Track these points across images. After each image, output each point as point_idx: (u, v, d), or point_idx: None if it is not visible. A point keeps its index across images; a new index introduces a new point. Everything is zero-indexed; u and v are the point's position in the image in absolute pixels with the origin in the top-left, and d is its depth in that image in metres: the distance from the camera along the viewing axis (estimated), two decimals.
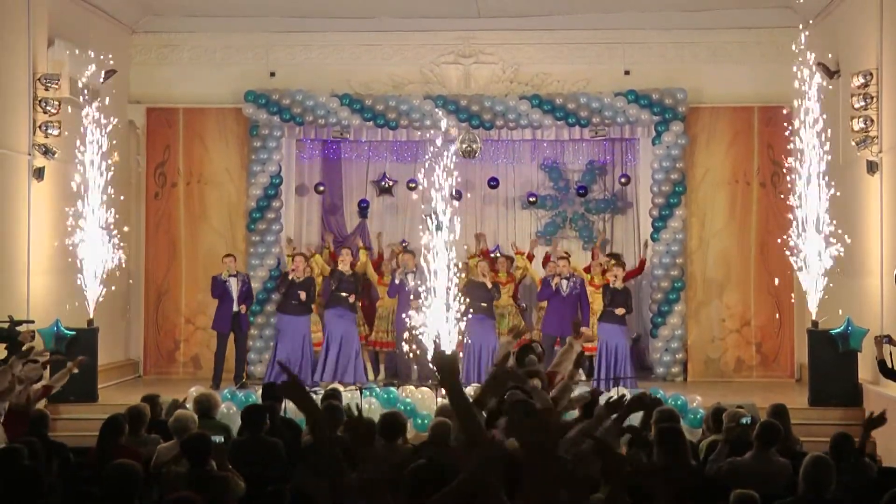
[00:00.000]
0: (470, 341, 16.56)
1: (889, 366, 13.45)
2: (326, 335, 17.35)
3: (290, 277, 17.24)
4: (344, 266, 17.44)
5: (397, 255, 18.20)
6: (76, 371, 13.39)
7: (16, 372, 11.47)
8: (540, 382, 9.92)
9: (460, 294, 15.67)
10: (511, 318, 17.68)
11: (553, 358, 11.95)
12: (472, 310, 15.94)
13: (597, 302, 17.40)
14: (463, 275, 17.02)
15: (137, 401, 10.89)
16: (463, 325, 15.43)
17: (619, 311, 16.81)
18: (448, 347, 14.82)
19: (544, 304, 17.69)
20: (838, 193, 15.51)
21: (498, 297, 17.38)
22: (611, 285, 16.97)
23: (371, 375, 17.72)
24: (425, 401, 14.53)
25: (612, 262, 17.62)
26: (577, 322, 13.90)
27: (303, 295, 17.00)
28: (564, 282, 17.14)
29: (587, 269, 18.11)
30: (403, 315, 16.24)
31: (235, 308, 17.04)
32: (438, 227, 14.87)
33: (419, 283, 16.21)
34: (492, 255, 18.60)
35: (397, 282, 17.44)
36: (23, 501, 7.05)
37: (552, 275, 17.33)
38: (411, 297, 16.89)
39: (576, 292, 17.19)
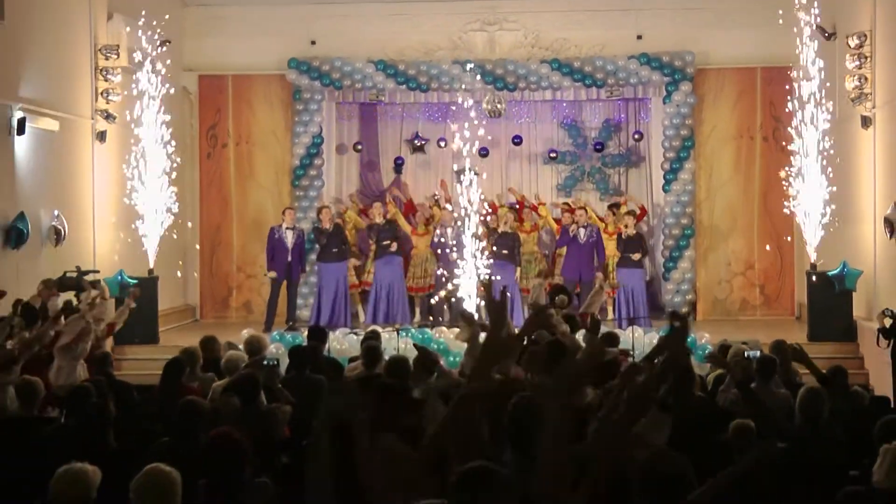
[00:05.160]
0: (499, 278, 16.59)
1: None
2: (376, 282, 17.56)
3: (320, 228, 17.35)
4: (378, 218, 17.56)
5: (432, 210, 18.22)
6: (133, 306, 13.38)
7: (88, 318, 11.55)
8: (569, 328, 10.04)
9: (488, 242, 15.75)
10: (536, 263, 17.81)
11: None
12: (495, 256, 16.11)
13: (610, 248, 17.48)
14: (492, 225, 17.16)
15: (195, 342, 10.95)
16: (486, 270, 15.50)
17: (636, 255, 17.00)
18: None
19: (563, 250, 17.68)
20: (835, 147, 15.45)
21: (519, 245, 17.40)
22: (623, 234, 17.02)
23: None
24: (456, 341, 14.56)
25: (622, 212, 17.67)
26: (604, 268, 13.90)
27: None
28: (582, 230, 17.17)
29: (602, 220, 18.09)
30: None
31: (289, 258, 17.09)
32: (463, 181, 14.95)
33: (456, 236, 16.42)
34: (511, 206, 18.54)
35: (436, 240, 17.51)
36: (93, 435, 7.18)
37: (570, 223, 17.35)
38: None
39: (592, 240, 17.19)
